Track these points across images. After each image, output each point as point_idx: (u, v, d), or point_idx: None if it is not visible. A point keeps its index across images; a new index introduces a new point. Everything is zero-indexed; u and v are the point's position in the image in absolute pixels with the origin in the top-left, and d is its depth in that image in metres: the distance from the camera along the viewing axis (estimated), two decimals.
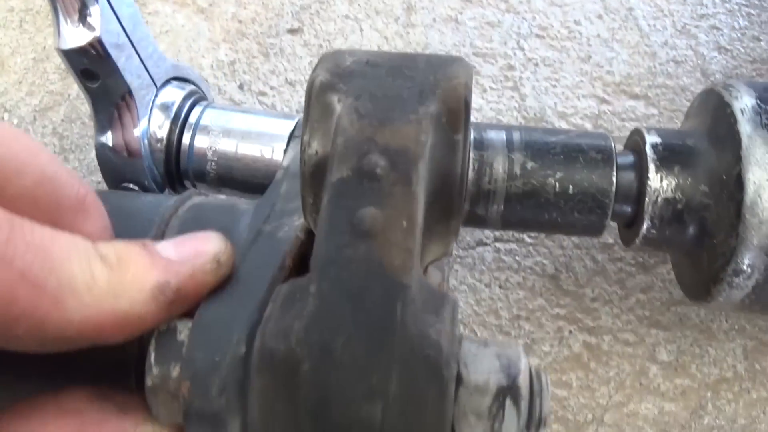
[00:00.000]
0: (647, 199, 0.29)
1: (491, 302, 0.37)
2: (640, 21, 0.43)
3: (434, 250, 0.20)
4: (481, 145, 0.29)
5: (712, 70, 0.42)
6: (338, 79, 0.19)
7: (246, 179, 0.33)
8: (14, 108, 0.42)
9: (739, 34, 0.43)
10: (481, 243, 0.38)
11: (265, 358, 0.16)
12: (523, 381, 0.17)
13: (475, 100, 0.41)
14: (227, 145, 0.33)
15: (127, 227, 0.22)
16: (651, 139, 0.30)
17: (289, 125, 0.33)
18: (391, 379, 0.15)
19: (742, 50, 0.42)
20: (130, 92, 0.32)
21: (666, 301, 0.37)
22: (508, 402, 0.16)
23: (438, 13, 0.44)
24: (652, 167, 0.29)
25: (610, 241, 0.38)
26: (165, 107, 0.33)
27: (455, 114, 0.19)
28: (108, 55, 0.30)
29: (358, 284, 0.16)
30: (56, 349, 0.19)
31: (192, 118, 0.33)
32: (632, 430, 0.35)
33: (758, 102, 0.28)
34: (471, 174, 0.28)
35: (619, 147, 0.32)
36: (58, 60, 0.42)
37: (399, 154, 0.18)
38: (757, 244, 0.27)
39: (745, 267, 0.28)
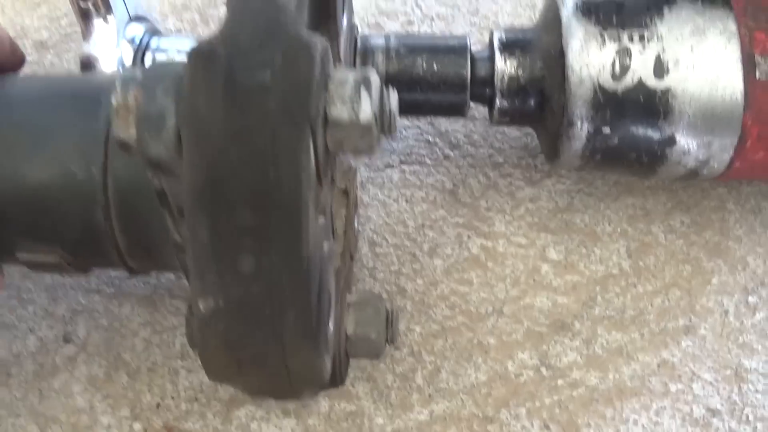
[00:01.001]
0: (496, 77, 0.37)
1: (399, 214, 0.42)
2: None
3: None
4: (366, 42, 0.37)
5: None
6: None
7: None
8: None
9: None
10: (389, 165, 0.43)
11: (195, 53, 0.23)
12: (374, 78, 0.24)
13: None
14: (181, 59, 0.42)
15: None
16: (498, 34, 0.38)
17: None
18: (277, 54, 0.22)
19: None
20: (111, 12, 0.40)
21: (552, 209, 0.42)
22: (363, 90, 0.23)
23: None
24: (498, 53, 0.37)
25: (501, 160, 0.44)
26: (132, 40, 0.42)
27: None
28: None
29: (255, 7, 0.23)
30: None
31: (153, 44, 0.42)
32: (529, 320, 0.40)
33: None
34: (358, 60, 0.36)
35: None
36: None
37: None
38: (581, 96, 0.34)
39: (575, 119, 0.35)
